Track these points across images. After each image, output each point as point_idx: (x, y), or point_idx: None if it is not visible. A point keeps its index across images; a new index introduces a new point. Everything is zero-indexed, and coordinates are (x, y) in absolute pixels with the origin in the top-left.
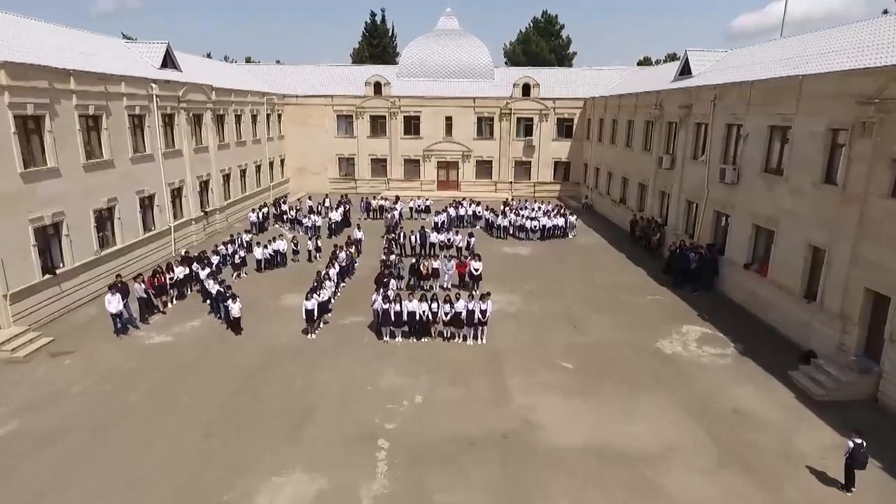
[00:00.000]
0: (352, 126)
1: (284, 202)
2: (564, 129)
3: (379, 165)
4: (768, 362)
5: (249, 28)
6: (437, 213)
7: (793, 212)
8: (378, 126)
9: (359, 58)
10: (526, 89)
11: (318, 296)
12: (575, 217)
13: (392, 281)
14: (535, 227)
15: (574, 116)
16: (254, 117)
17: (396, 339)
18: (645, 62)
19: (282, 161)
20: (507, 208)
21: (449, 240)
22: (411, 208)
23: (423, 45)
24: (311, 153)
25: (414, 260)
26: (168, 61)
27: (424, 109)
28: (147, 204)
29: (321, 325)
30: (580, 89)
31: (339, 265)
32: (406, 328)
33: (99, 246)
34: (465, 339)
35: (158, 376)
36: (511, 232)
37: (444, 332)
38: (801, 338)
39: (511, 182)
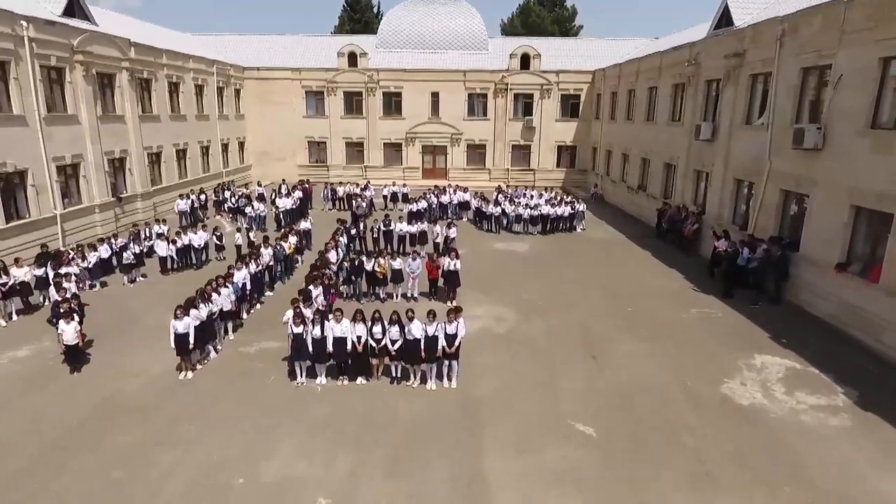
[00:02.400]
0: (323, 104)
1: (228, 188)
2: (570, 107)
3: (355, 150)
4: None
5: (219, 4)
6: (415, 200)
7: None
8: (353, 104)
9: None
10: (525, 61)
11: (201, 311)
12: (584, 205)
13: (321, 289)
14: (536, 217)
15: (581, 92)
16: (199, 88)
17: (317, 381)
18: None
19: (241, 144)
20: (500, 195)
21: (421, 232)
22: (385, 196)
23: (406, 11)
24: (276, 135)
25: (364, 257)
26: (74, 10)
27: (407, 85)
28: (16, 182)
29: (209, 355)
30: (588, 62)
31: (258, 266)
32: (333, 362)
33: None
34: (423, 380)
35: None
36: (505, 224)
37: (393, 368)
38: None
39: (507, 169)
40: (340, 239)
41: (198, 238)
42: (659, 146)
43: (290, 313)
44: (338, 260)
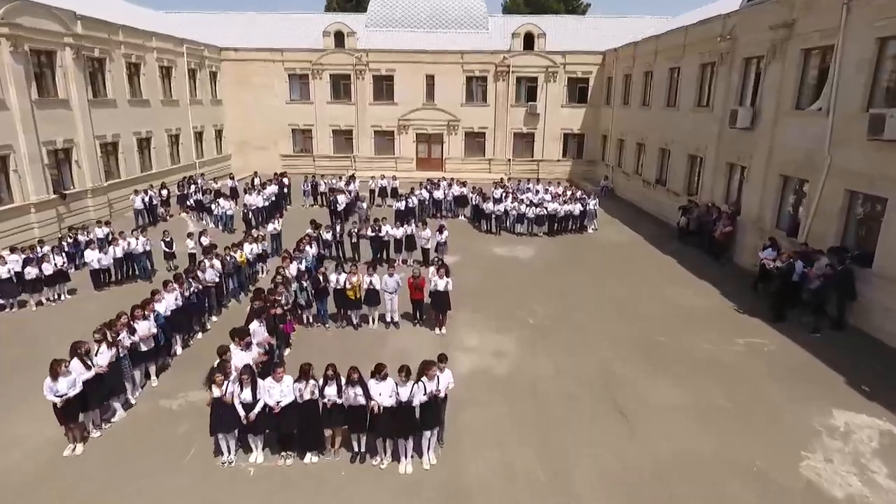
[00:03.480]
0: (308, 89)
1: (193, 181)
2: (577, 91)
3: (343, 139)
4: None
5: None
6: (404, 196)
7: None
8: (341, 88)
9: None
10: (528, 41)
11: (100, 356)
12: (596, 202)
13: (263, 328)
14: (542, 216)
15: (590, 75)
16: (165, 70)
17: (251, 458)
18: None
19: (218, 132)
20: (500, 190)
21: (408, 237)
22: (372, 190)
23: None
24: (256, 123)
25: (329, 271)
26: None
27: (399, 67)
28: None
29: (113, 415)
30: (597, 42)
31: (196, 286)
32: (273, 430)
33: None
34: (393, 455)
35: None
36: (505, 224)
37: (356, 441)
38: None
39: (509, 160)
40: (308, 249)
41: (139, 244)
42: (682, 135)
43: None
44: (300, 275)
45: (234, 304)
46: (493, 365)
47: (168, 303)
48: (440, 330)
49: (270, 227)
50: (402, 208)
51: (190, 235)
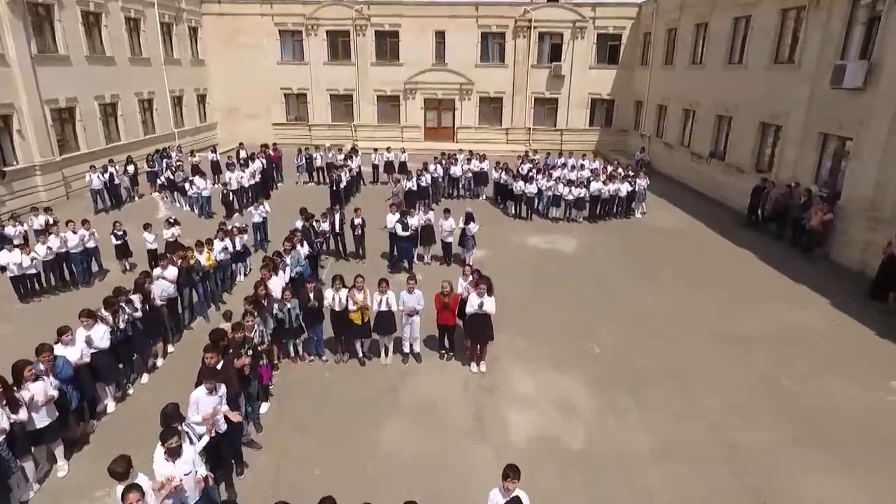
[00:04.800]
0: (301, 48)
1: (165, 155)
2: (608, 50)
3: (342, 105)
4: None
5: None
6: (412, 174)
7: None
8: (339, 47)
9: None
10: None
11: None
12: (646, 181)
13: (221, 392)
14: (582, 197)
15: (623, 31)
16: (132, 23)
17: None
18: None
19: (201, 98)
20: (528, 165)
21: (425, 227)
22: (376, 166)
23: None
24: (245, 87)
25: (326, 286)
26: None
27: (405, 22)
28: None
29: None
30: None
31: (131, 315)
32: None
33: None
34: None
35: None
36: (537, 206)
37: None
38: None
39: (529, 129)
40: (298, 249)
41: (76, 239)
42: (751, 99)
43: (159, 452)
44: (283, 293)
45: (201, 323)
46: (560, 430)
47: (76, 350)
48: (478, 367)
49: (256, 214)
50: (414, 188)
51: (147, 227)
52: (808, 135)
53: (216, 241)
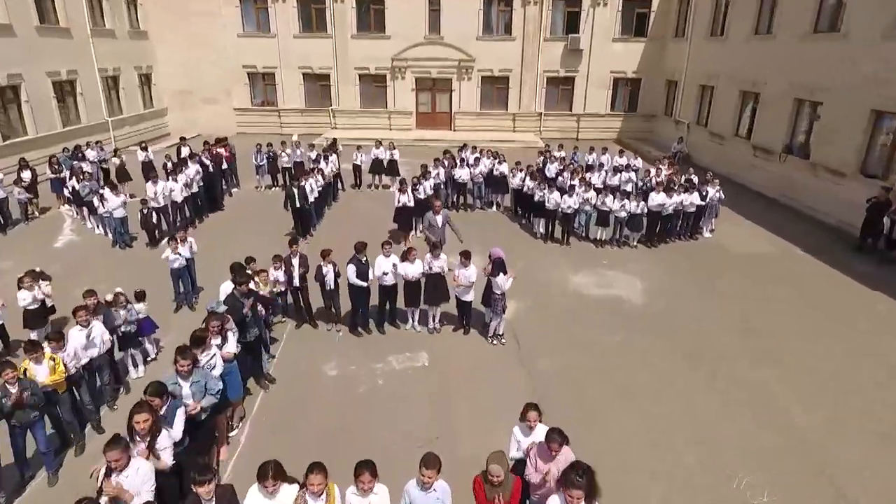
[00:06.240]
0: (267, 16)
1: (82, 155)
2: (635, 19)
3: (317, 86)
4: None
5: None
6: (407, 183)
7: None
8: (313, 16)
9: None
10: None
11: None
12: (719, 189)
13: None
14: (638, 216)
15: None
16: None
17: None
18: None
19: (144, 78)
20: (556, 165)
21: (432, 276)
22: (356, 167)
23: None
24: (199, 65)
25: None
26: None
27: None
28: None
29: None
30: None
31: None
32: None
33: None
34: None
35: None
36: (576, 225)
37: None
38: None
39: (540, 114)
40: (214, 355)
41: None
42: (850, 78)
43: None
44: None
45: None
46: None
47: None
48: None
49: (172, 255)
50: (410, 203)
51: (21, 282)
52: None
53: (73, 331)
